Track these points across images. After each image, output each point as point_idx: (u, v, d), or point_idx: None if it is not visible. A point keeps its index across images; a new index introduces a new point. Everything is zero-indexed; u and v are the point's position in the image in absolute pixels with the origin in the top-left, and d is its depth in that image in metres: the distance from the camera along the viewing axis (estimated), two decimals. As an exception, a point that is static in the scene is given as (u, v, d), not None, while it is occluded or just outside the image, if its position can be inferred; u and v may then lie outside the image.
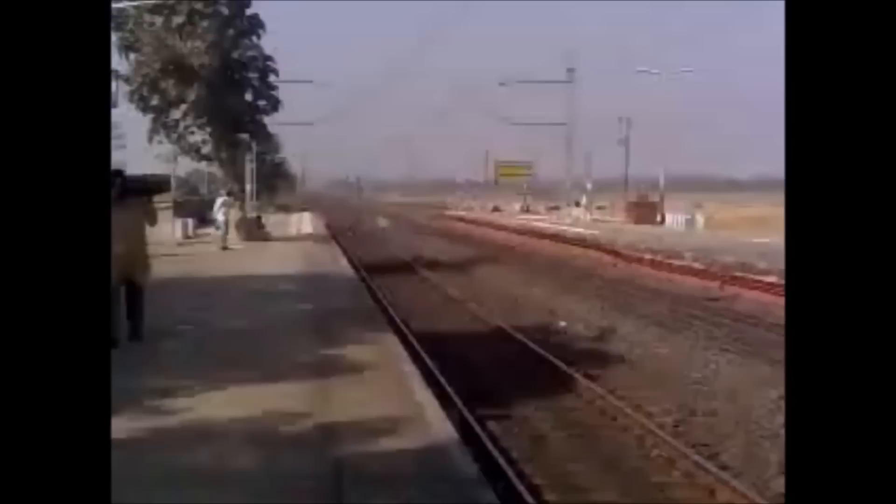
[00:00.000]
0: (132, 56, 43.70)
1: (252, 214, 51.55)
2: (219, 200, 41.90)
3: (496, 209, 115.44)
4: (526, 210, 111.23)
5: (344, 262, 34.53)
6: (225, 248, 38.43)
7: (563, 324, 23.55)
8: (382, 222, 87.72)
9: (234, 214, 43.60)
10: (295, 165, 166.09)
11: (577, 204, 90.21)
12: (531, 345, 19.64)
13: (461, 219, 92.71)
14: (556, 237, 56.23)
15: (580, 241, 50.54)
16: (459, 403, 14.31)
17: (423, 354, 17.87)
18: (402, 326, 21.66)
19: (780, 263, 30.14)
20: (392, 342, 16.10)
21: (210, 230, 44.64)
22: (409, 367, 13.80)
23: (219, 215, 40.74)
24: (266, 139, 59.86)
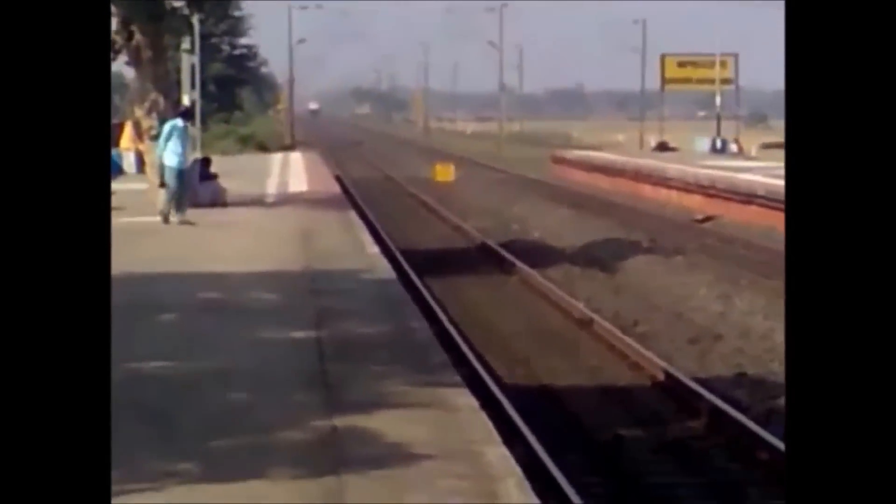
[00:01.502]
0: None
1: (194, 155, 29.47)
2: (167, 127, 23.45)
3: (662, 146, 64.57)
4: (719, 149, 61.04)
5: (373, 249, 21.39)
6: (180, 221, 22.83)
7: None
8: None
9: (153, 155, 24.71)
10: (277, 65, 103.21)
11: None
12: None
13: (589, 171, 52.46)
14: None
15: None
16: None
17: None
18: (478, 367, 14.59)
19: None
20: (465, 403, 9.61)
21: (121, 184, 27.89)
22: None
23: (168, 156, 23.14)
24: (218, 7, 32.34)
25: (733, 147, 62.87)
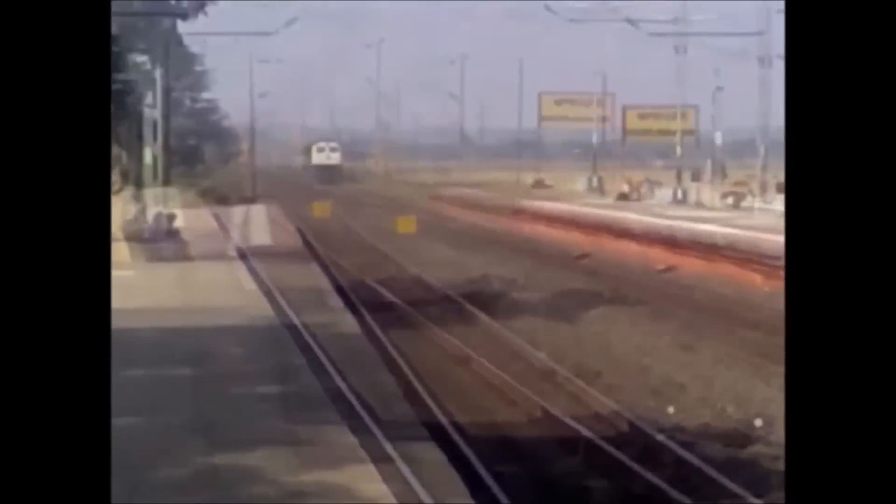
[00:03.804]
0: None
1: (157, 209, 29.61)
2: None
3: (624, 196, 61.68)
4: (680, 199, 57.91)
5: (336, 301, 21.63)
6: None
7: None
8: None
9: (122, 207, 24.82)
10: (237, 117, 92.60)
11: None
12: None
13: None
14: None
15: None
16: None
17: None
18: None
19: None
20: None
21: None
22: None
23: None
24: (184, 63, 32.55)
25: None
